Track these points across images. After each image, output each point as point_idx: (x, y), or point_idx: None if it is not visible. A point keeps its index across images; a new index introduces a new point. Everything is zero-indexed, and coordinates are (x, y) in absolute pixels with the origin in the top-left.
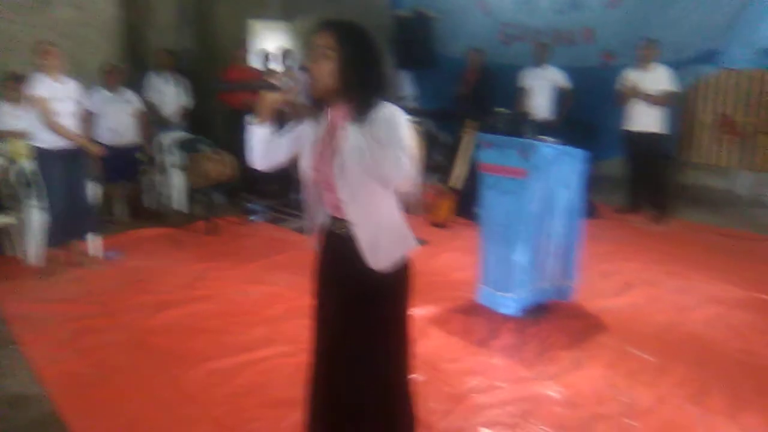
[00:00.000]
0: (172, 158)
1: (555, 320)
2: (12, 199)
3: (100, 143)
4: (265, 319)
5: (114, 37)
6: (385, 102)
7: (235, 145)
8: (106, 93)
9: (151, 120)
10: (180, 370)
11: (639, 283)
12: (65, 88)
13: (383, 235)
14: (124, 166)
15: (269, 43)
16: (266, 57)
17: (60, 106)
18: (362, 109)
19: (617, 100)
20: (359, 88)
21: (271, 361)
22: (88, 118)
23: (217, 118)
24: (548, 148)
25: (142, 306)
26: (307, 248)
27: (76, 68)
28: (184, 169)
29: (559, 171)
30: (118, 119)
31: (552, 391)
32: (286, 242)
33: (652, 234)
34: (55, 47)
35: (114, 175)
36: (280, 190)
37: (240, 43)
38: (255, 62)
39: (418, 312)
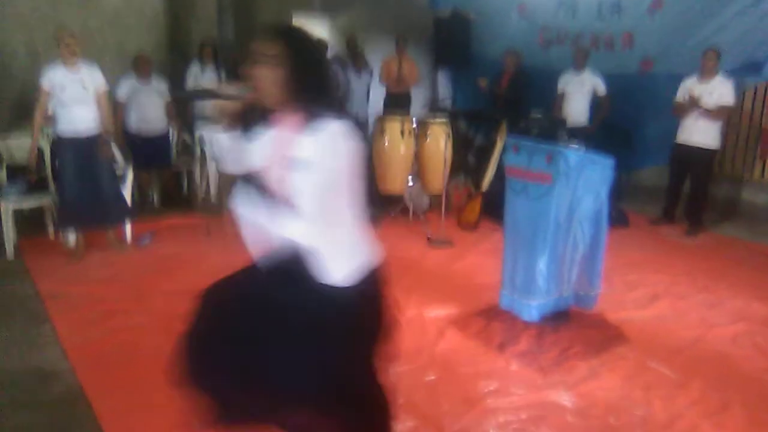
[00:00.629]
0: (210, 149)
1: (575, 329)
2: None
3: (130, 130)
4: None
5: (158, 26)
6: (333, 115)
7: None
8: (136, 82)
9: (191, 111)
10: None
11: (666, 296)
12: (79, 76)
13: (336, 247)
14: (153, 153)
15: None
16: None
17: (72, 93)
18: (310, 120)
19: (675, 111)
20: (307, 97)
21: None
22: (113, 104)
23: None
24: (575, 154)
25: (170, 292)
26: None
27: (121, 56)
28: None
29: (586, 178)
30: (148, 108)
31: (566, 399)
32: None
33: (684, 247)
34: (73, 36)
35: (143, 162)
36: None
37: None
38: None
39: (438, 313)
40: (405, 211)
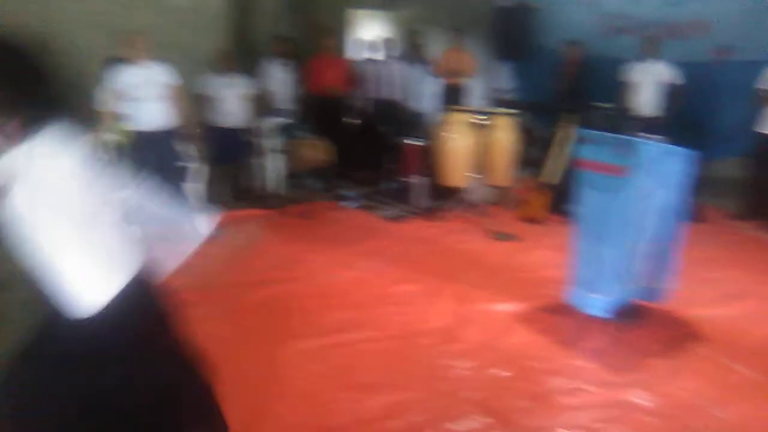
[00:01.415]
0: (273, 143)
1: (647, 325)
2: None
3: (210, 126)
4: (354, 303)
5: (223, 23)
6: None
7: (326, 131)
8: (217, 78)
9: (263, 106)
10: (270, 347)
11: (743, 295)
12: (151, 74)
13: (76, 272)
14: (232, 148)
15: (370, 32)
16: (366, 45)
17: (144, 91)
18: (16, 135)
19: (756, 100)
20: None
21: (356, 346)
22: (191, 99)
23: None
24: (649, 146)
25: (238, 283)
26: (395, 236)
27: (189, 54)
28: (283, 153)
29: (660, 170)
30: (228, 103)
31: (640, 398)
32: (377, 229)
33: (765, 243)
34: (141, 36)
35: (222, 157)
36: (371, 177)
37: (329, 32)
38: (354, 53)
39: (504, 308)
40: (469, 204)
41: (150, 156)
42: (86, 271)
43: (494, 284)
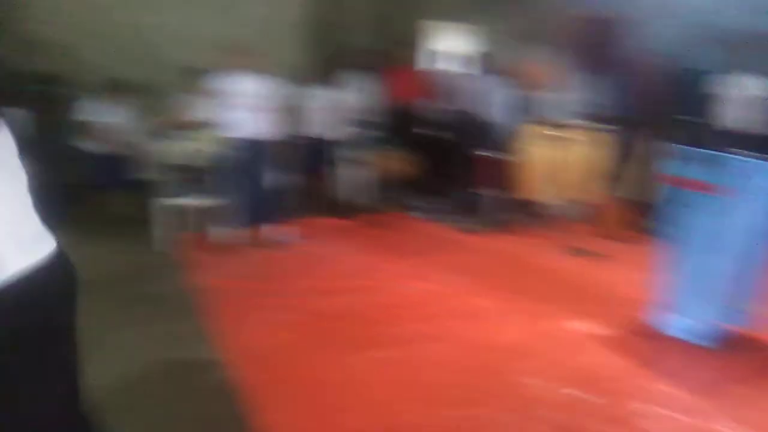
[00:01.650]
0: (353, 153)
1: (735, 351)
2: (206, 182)
3: (294, 136)
4: (426, 315)
5: (307, 35)
6: None
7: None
8: (302, 89)
9: (345, 117)
10: (341, 355)
11: None
12: (247, 84)
13: None
14: (315, 158)
15: (449, 44)
16: (445, 57)
17: (241, 100)
18: None
19: None
20: None
21: (427, 358)
22: (281, 112)
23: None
24: (743, 162)
25: (313, 290)
26: (468, 248)
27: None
28: (363, 164)
29: (753, 188)
30: (312, 114)
31: (725, 427)
32: (450, 241)
33: None
34: (245, 46)
35: (307, 167)
36: (442, 188)
37: (408, 44)
38: (430, 64)
39: (579, 326)
40: (545, 218)
41: (244, 164)
42: None
43: (570, 301)
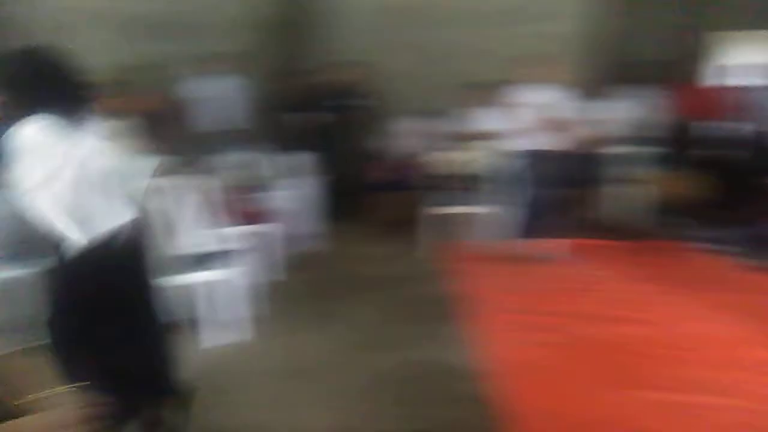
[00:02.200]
0: (626, 171)
1: None
2: (477, 191)
3: (573, 150)
4: (706, 360)
5: (582, 47)
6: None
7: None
8: (582, 101)
9: (620, 132)
10: (608, 390)
11: None
12: (541, 96)
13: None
14: (588, 173)
15: (744, 56)
16: (734, 72)
17: (533, 112)
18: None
19: None
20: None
21: (709, 410)
22: (566, 124)
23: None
24: None
25: (576, 314)
26: (759, 289)
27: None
28: (637, 182)
29: None
30: (593, 128)
31: None
32: (733, 278)
33: None
34: (537, 58)
35: (577, 182)
36: (730, 216)
37: (695, 57)
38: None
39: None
40: None
41: (522, 175)
42: (69, 224)
43: None
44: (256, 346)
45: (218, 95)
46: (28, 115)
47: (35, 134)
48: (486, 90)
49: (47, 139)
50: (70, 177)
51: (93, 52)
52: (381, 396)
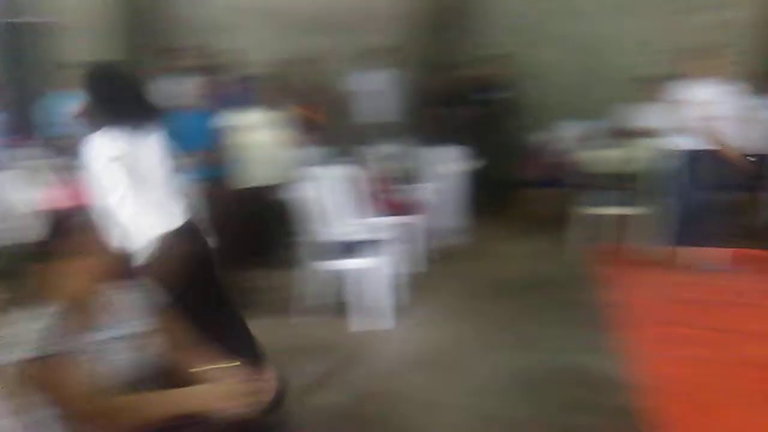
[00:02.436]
0: None
1: None
2: (633, 192)
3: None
4: None
5: (756, 41)
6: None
7: None
8: (757, 97)
9: None
10: (762, 414)
11: None
12: (716, 93)
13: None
14: (754, 177)
15: None
16: None
17: (710, 109)
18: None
19: None
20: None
21: None
22: (737, 122)
23: None
24: None
25: (738, 331)
26: None
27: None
28: None
29: None
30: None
31: None
32: None
33: None
34: (707, 51)
35: (741, 186)
36: None
37: None
38: None
39: None
40: None
41: (685, 177)
42: (137, 217)
43: None
44: (398, 335)
45: (374, 89)
46: (104, 124)
47: (110, 144)
48: (647, 84)
49: (119, 148)
50: (135, 180)
51: (254, 48)
52: (517, 397)
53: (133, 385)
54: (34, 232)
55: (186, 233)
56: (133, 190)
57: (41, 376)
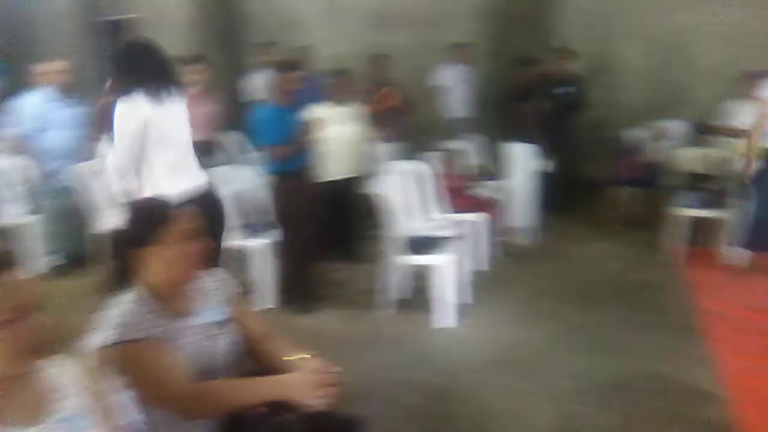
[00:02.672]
0: None
1: None
2: (727, 194)
3: None
4: None
5: None
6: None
7: None
8: None
9: None
10: None
11: None
12: None
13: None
14: None
15: None
16: None
17: None
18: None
19: None
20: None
21: None
22: None
23: None
24: None
25: None
26: None
27: None
28: None
29: None
30: None
31: None
32: None
33: None
34: None
35: None
36: None
37: None
38: None
39: None
40: None
41: None
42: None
43: None
44: (473, 333)
45: (450, 84)
46: (127, 92)
47: (130, 108)
48: (738, 81)
49: (144, 113)
50: (159, 142)
51: (327, 44)
52: (593, 402)
53: (220, 371)
54: (126, 220)
55: (207, 195)
56: (157, 152)
57: (128, 360)
